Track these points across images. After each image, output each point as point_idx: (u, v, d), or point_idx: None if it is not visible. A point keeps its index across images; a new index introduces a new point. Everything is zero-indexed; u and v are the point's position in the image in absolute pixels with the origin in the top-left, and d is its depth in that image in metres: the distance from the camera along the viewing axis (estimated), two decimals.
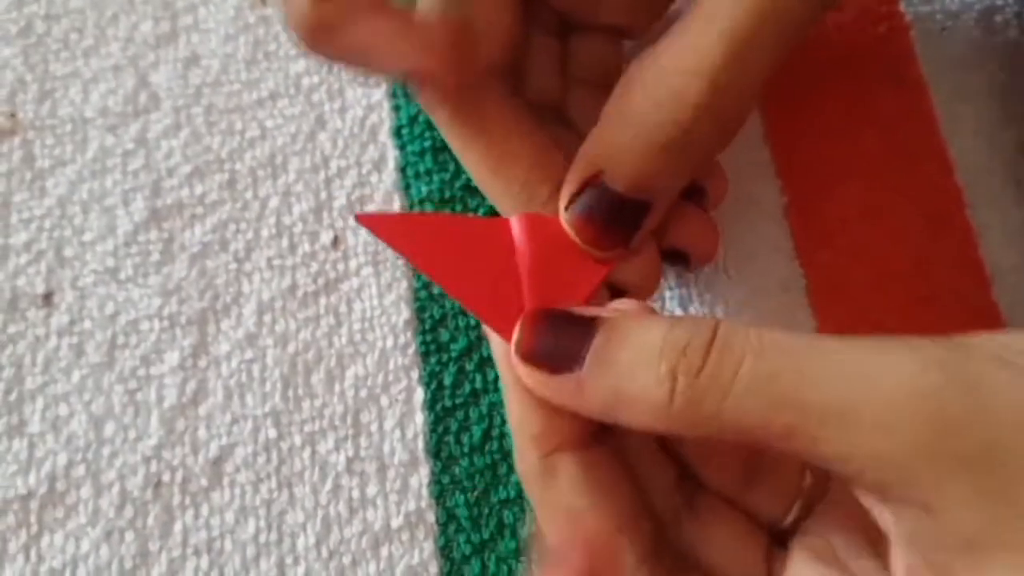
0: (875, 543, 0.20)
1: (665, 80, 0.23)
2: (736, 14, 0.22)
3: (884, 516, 0.18)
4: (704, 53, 0.22)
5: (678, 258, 0.27)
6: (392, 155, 0.31)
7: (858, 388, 0.18)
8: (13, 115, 0.30)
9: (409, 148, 0.31)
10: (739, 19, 0.22)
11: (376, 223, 0.24)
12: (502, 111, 0.25)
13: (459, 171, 0.30)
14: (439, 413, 0.28)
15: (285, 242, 0.29)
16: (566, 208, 0.24)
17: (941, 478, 0.17)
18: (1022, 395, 0.17)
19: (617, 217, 0.24)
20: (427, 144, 0.31)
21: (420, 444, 0.27)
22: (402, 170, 0.30)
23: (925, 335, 0.18)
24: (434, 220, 0.25)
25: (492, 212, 0.29)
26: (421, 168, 0.30)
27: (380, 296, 0.29)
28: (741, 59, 0.22)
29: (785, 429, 0.18)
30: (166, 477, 0.27)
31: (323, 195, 0.30)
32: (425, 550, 0.26)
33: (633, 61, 0.24)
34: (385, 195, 0.30)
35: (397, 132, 0.31)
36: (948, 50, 0.32)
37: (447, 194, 0.30)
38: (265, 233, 0.30)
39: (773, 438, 0.18)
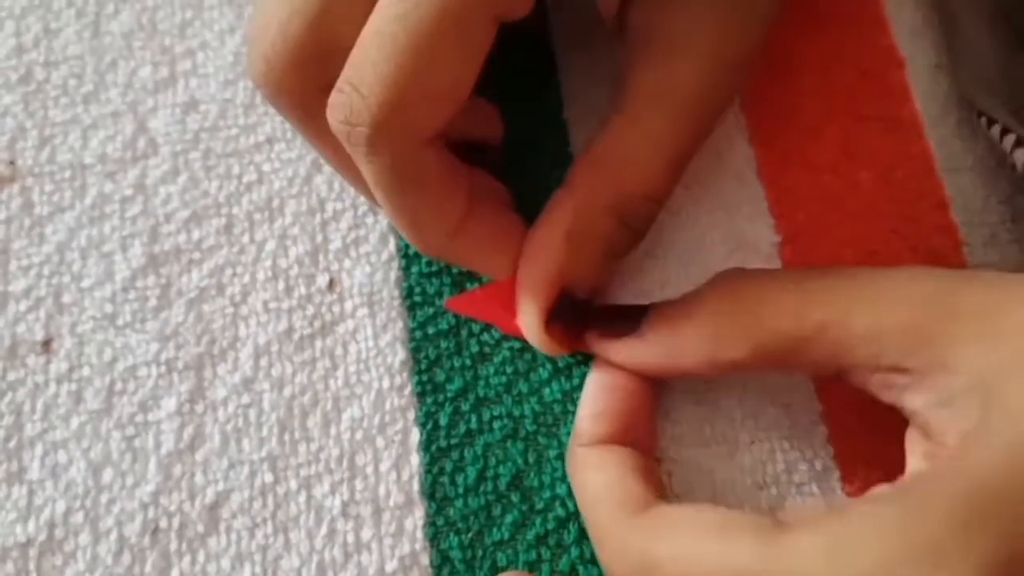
0: None
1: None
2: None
3: (906, 397, 0.23)
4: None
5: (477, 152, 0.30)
6: None
7: (875, 280, 0.23)
8: (12, 162, 0.32)
9: None
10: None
11: (463, 304, 0.30)
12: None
13: None
14: (434, 454, 0.29)
15: (281, 285, 0.30)
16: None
17: (954, 334, 0.22)
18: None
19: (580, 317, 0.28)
20: None
21: (415, 486, 0.28)
22: None
23: None
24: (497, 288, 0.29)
25: None
26: None
27: (376, 337, 0.30)
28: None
29: (818, 324, 0.23)
30: (163, 523, 0.28)
31: (319, 238, 0.31)
32: None
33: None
34: (381, 236, 0.31)
35: None
36: (943, 87, 0.32)
37: None
38: (261, 276, 0.31)
39: (805, 340, 0.23)
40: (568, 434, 0.29)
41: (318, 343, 0.30)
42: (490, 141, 0.31)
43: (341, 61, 0.23)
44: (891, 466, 0.24)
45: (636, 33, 0.27)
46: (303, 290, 0.30)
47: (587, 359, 0.29)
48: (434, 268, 0.31)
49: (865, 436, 0.28)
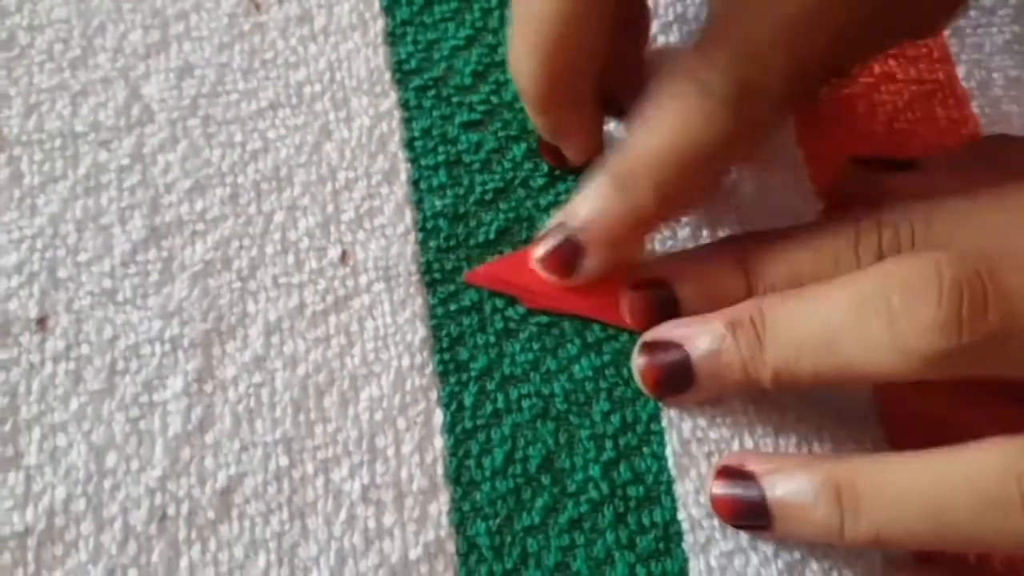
0: None
1: None
2: None
3: None
4: None
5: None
6: (404, 167, 0.31)
7: None
8: None
9: (423, 161, 0.31)
10: None
11: (483, 277, 0.29)
12: None
13: (473, 186, 0.31)
14: (459, 436, 0.28)
15: (291, 259, 0.30)
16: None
17: None
18: None
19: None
20: (441, 158, 0.31)
21: (439, 469, 0.28)
22: (415, 183, 0.31)
23: None
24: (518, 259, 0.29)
25: (504, 226, 0.30)
26: (435, 182, 0.31)
27: (394, 313, 0.29)
28: None
29: None
30: (171, 510, 0.27)
31: (330, 208, 0.30)
32: None
33: None
34: (396, 208, 0.30)
35: (410, 144, 0.31)
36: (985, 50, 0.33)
37: (461, 209, 0.31)
38: (270, 250, 0.30)
39: None
40: (601, 412, 0.28)
41: (332, 319, 0.29)
42: None
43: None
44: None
45: None
46: (314, 264, 0.30)
47: (620, 334, 0.29)
48: (452, 242, 0.30)
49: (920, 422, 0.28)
